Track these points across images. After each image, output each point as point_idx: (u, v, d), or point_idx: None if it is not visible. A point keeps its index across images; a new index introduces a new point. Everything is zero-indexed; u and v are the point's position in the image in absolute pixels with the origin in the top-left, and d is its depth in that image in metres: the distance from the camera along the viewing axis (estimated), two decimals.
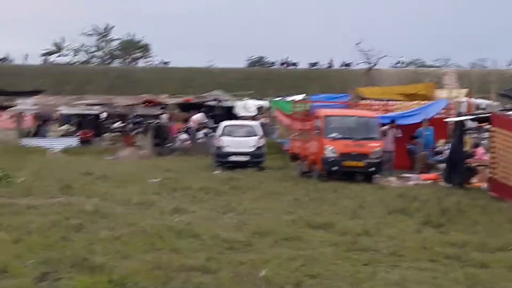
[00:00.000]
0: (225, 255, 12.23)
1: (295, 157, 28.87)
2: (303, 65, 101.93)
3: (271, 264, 11.55)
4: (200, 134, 39.98)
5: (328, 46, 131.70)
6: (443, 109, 30.70)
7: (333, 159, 24.94)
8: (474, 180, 25.45)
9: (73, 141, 40.83)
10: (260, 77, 73.30)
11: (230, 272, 10.82)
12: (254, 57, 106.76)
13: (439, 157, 28.08)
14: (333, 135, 25.39)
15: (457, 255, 12.95)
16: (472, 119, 26.19)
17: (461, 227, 16.02)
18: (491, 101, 44.15)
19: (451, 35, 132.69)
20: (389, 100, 34.63)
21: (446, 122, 29.01)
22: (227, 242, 13.34)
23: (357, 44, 73.10)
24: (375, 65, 74.61)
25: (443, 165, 27.13)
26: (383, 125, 27.26)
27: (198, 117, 41.89)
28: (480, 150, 26.92)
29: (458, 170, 24.53)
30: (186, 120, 42.41)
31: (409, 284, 10.79)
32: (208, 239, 13.53)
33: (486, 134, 29.56)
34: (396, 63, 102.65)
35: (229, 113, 41.88)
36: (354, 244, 13.67)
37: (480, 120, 26.91)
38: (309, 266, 11.63)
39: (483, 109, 36.64)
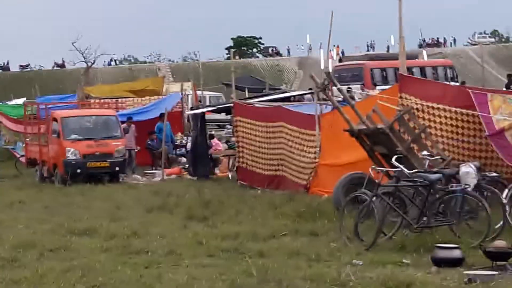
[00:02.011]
0: None
1: (32, 162, 27.32)
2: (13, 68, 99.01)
3: (47, 279, 10.64)
4: None
5: (39, 47, 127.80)
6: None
7: (75, 161, 23.98)
8: (217, 170, 25.73)
9: None
10: None
11: None
12: None
13: (179, 151, 28.04)
14: (73, 136, 24.47)
15: (234, 247, 12.77)
16: (213, 111, 26.32)
17: (225, 218, 15.92)
18: (215, 93, 45.09)
19: (160, 30, 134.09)
20: (118, 98, 34.00)
21: (182, 115, 29.08)
22: None
23: (73, 43, 71.34)
24: (93, 64, 73.47)
25: (184, 159, 27.14)
26: (122, 122, 26.65)
27: None
28: (215, 141, 27.22)
29: (202, 162, 24.61)
30: None
31: (199, 283, 10.37)
32: None
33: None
34: (110, 61, 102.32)
35: None
36: (126, 247, 13.07)
37: (218, 111, 27.19)
38: (89, 276, 10.90)
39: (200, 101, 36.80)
